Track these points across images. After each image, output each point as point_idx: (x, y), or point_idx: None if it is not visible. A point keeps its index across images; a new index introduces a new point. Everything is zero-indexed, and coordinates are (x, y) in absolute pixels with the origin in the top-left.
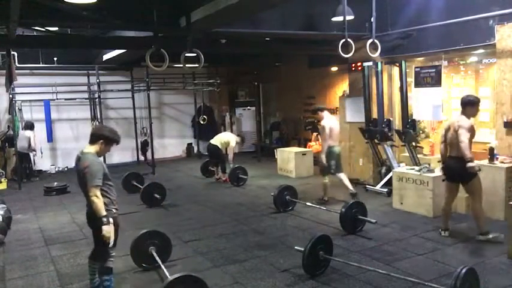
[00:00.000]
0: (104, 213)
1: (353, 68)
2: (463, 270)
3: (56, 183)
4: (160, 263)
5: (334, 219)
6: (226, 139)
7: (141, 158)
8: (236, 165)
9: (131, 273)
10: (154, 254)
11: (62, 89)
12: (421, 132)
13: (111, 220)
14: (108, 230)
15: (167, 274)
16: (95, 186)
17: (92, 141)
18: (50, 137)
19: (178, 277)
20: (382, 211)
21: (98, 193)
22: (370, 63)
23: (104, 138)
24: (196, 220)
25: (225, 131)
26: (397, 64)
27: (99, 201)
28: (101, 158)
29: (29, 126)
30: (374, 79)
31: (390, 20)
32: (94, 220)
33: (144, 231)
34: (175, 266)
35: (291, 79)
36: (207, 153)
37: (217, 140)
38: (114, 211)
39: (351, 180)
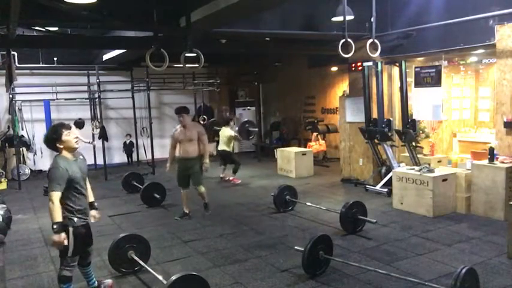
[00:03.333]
0: (57, 219)
1: (353, 68)
2: (463, 270)
3: None
4: (145, 265)
5: (334, 219)
6: (228, 135)
7: (136, 159)
8: (245, 119)
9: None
10: (136, 258)
11: (62, 89)
12: (421, 132)
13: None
14: (55, 239)
15: (158, 276)
16: (51, 191)
17: (54, 149)
18: None
19: (181, 276)
20: (382, 211)
21: (54, 198)
22: (370, 63)
23: (53, 140)
24: (196, 220)
25: None
26: (397, 64)
27: (53, 207)
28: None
29: (79, 124)
30: (374, 79)
31: (390, 20)
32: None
33: (121, 235)
34: (176, 266)
35: (291, 79)
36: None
37: (223, 143)
38: (75, 220)
39: (351, 181)
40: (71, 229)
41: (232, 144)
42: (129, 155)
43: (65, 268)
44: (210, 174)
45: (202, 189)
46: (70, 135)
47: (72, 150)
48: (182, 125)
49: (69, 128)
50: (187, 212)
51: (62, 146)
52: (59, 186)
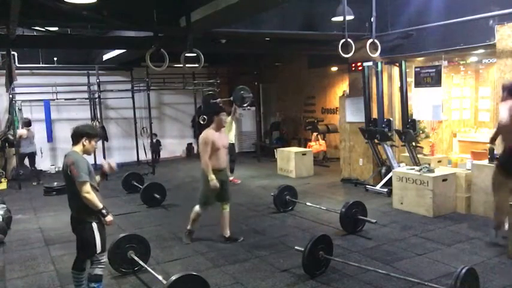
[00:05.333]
0: (101, 205)
1: (353, 68)
2: (463, 270)
3: (56, 183)
4: (145, 265)
5: (334, 219)
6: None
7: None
8: (240, 86)
9: (120, 278)
10: (136, 258)
11: (62, 89)
12: (421, 132)
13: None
14: (111, 218)
15: (158, 276)
16: (83, 182)
17: (74, 141)
18: (50, 137)
19: (181, 276)
20: (382, 211)
21: (88, 188)
22: (370, 63)
23: (85, 134)
24: None
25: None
26: (397, 64)
27: (92, 196)
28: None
29: (27, 123)
30: (374, 79)
31: (390, 20)
32: (80, 224)
33: (121, 235)
34: (176, 266)
35: (291, 79)
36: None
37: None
38: (96, 216)
39: (351, 181)
40: (94, 225)
41: (233, 132)
42: (156, 152)
43: (97, 266)
44: None
45: (227, 209)
46: (95, 144)
47: (86, 154)
48: (218, 128)
49: (100, 139)
50: (191, 229)
51: (85, 144)
52: (88, 177)
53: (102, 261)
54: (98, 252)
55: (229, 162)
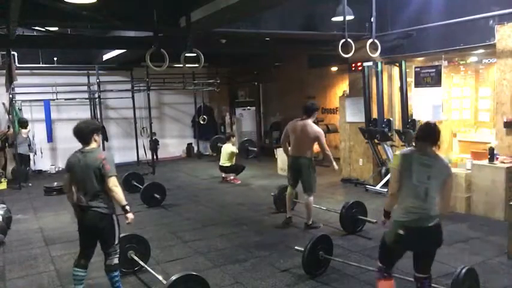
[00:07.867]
0: (125, 201)
1: (353, 68)
2: (463, 270)
3: (56, 183)
4: (145, 265)
5: (334, 219)
6: (230, 151)
7: (149, 156)
8: (245, 139)
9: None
10: (136, 258)
11: (62, 89)
12: None
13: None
14: (132, 216)
15: (158, 276)
16: (115, 175)
17: (87, 140)
18: (50, 137)
19: (181, 276)
20: (382, 211)
21: (117, 182)
22: (370, 63)
23: (94, 130)
24: (196, 220)
25: (225, 131)
26: (397, 64)
27: (120, 190)
28: None
29: (25, 123)
30: (374, 79)
31: (390, 20)
32: (104, 219)
33: (121, 235)
34: (176, 266)
35: (291, 79)
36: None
37: (225, 159)
38: (114, 208)
39: (351, 181)
40: (114, 217)
41: (233, 159)
42: (154, 151)
43: (115, 256)
44: (211, 174)
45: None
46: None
47: (98, 147)
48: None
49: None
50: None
51: (96, 140)
52: (115, 171)
53: (118, 251)
54: (115, 243)
55: (235, 165)
